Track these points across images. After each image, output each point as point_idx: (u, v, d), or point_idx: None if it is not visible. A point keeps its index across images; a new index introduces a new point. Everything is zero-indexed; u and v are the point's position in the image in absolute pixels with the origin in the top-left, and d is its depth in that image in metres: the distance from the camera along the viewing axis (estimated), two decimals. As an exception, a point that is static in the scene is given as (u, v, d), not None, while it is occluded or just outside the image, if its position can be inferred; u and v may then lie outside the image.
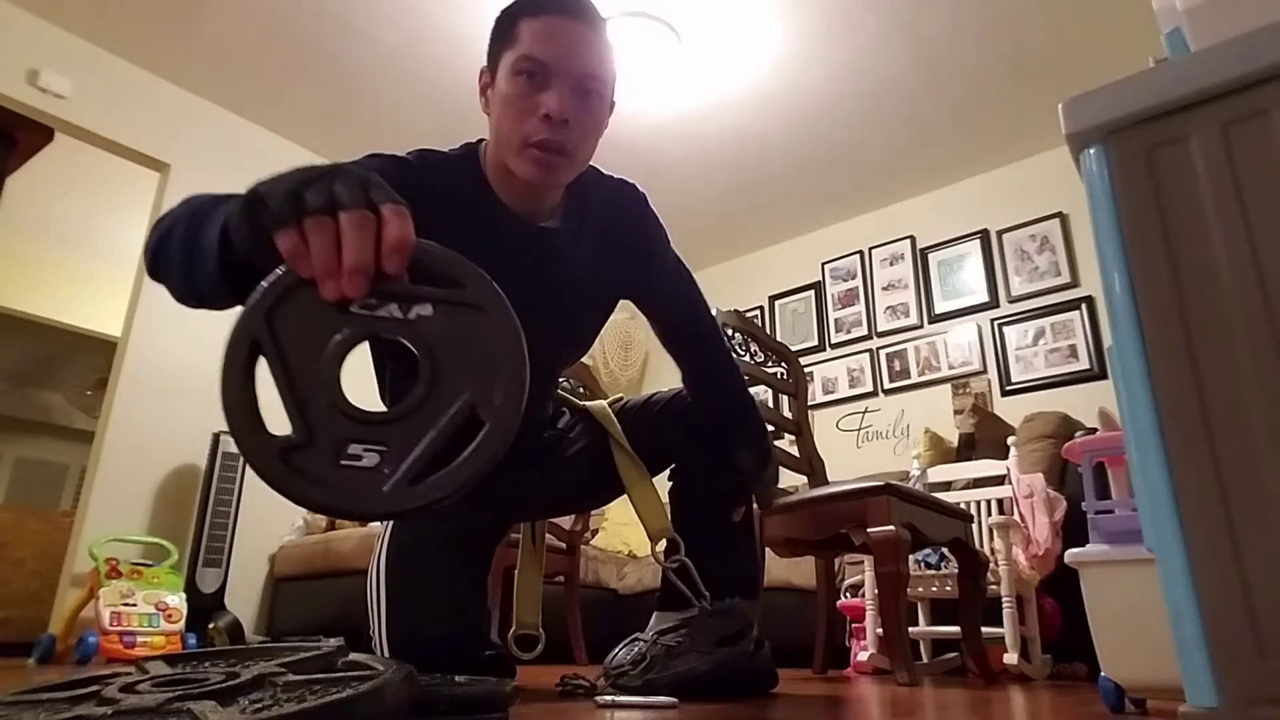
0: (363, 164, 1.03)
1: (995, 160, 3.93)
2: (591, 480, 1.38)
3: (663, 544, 1.31)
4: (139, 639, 2.53)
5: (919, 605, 2.49)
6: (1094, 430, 2.29)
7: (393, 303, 0.57)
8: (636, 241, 1.28)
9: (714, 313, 2.02)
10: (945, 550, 2.30)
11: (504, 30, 1.08)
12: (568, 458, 1.39)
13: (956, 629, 2.12)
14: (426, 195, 1.02)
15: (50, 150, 3.68)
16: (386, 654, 1.04)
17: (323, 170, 0.57)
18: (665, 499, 1.39)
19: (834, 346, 4.33)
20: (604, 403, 1.42)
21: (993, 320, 3.83)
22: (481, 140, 1.17)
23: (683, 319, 1.39)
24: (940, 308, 4.02)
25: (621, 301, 1.35)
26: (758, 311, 4.66)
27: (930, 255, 4.12)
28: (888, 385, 4.08)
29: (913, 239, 4.20)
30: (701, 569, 1.29)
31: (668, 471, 1.44)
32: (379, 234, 0.55)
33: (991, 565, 2.16)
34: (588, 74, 1.06)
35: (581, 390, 2.27)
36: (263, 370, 0.58)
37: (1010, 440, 2.60)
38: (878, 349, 4.16)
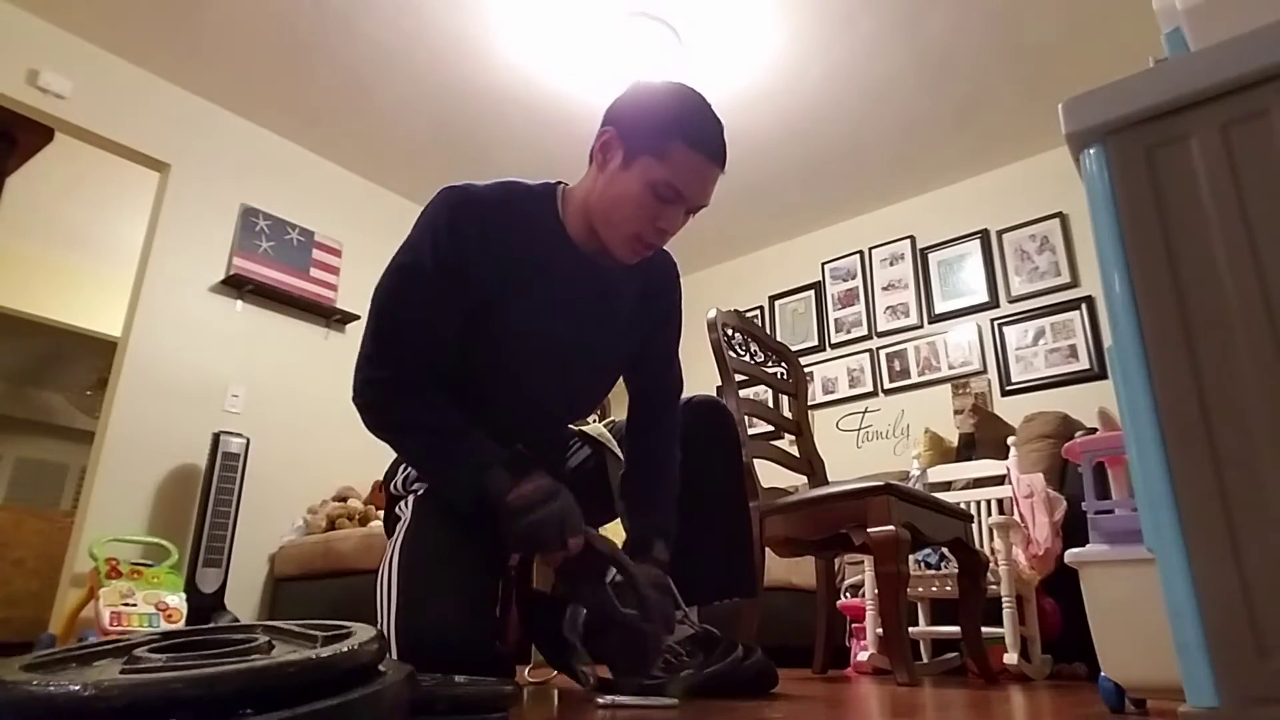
0: (454, 197, 1.16)
1: (995, 160, 3.93)
2: (590, 497, 1.39)
3: None
4: (139, 639, 2.53)
5: (919, 605, 2.49)
6: (1094, 430, 2.29)
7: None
8: (665, 301, 1.40)
9: (714, 313, 2.03)
10: (945, 550, 2.30)
11: (659, 134, 1.16)
12: (566, 474, 1.41)
13: (956, 629, 2.12)
14: (514, 223, 1.19)
15: (50, 150, 3.69)
16: (395, 653, 1.05)
17: (549, 521, 1.06)
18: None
19: (834, 346, 4.34)
20: (599, 425, 1.46)
21: (993, 320, 3.83)
22: (560, 184, 1.28)
23: (659, 387, 1.42)
24: (940, 308, 4.02)
25: None
26: (758, 311, 4.66)
27: (930, 255, 4.12)
28: (888, 385, 4.08)
29: (913, 239, 4.20)
30: (698, 570, 1.31)
31: None
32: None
33: (991, 565, 2.16)
34: (701, 206, 1.22)
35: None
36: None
37: (1010, 440, 2.60)
38: (878, 349, 4.16)
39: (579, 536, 1.07)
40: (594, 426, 1.46)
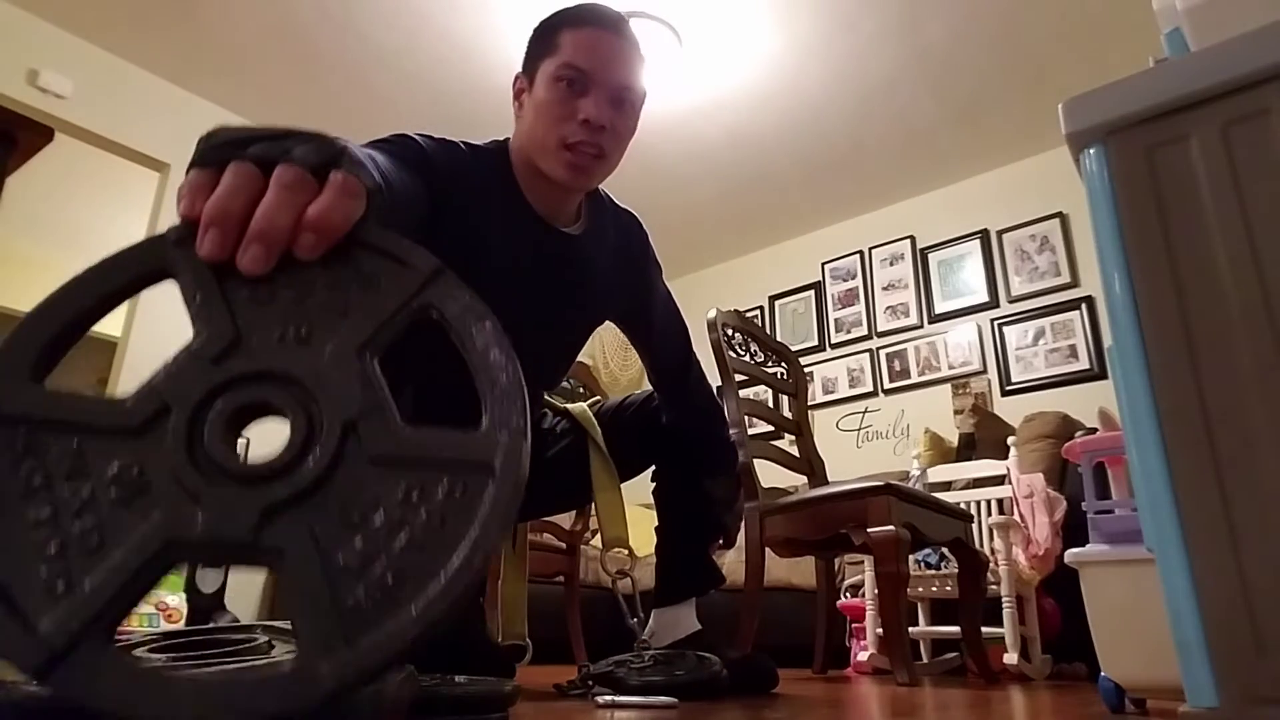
0: (410, 138, 1.06)
1: (995, 160, 3.93)
2: (570, 482, 1.39)
3: (621, 554, 1.34)
4: (139, 639, 2.53)
5: (919, 605, 2.49)
6: (1094, 430, 2.29)
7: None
8: (640, 269, 1.35)
9: (714, 313, 2.03)
10: (945, 550, 2.30)
11: (545, 39, 1.13)
12: (548, 459, 1.40)
13: (956, 629, 2.12)
14: (465, 179, 1.10)
15: (50, 150, 3.68)
16: None
17: (301, 130, 0.47)
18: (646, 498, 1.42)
19: (834, 346, 4.34)
20: (584, 405, 1.44)
21: (993, 320, 3.83)
22: (508, 139, 1.20)
23: (669, 351, 1.42)
24: (940, 308, 4.02)
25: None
26: (758, 311, 4.66)
27: (930, 255, 4.12)
28: (888, 385, 4.08)
29: (913, 239, 4.20)
30: (683, 563, 1.38)
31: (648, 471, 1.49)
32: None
33: (991, 565, 2.16)
34: (624, 84, 1.11)
35: (581, 390, 2.27)
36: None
37: (1010, 440, 2.60)
38: (878, 349, 4.16)
39: (353, 178, 0.45)
40: (578, 407, 1.43)
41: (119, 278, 0.44)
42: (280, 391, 0.41)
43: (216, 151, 0.43)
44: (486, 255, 1.13)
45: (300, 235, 0.42)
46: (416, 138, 1.06)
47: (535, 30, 1.15)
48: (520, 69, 1.16)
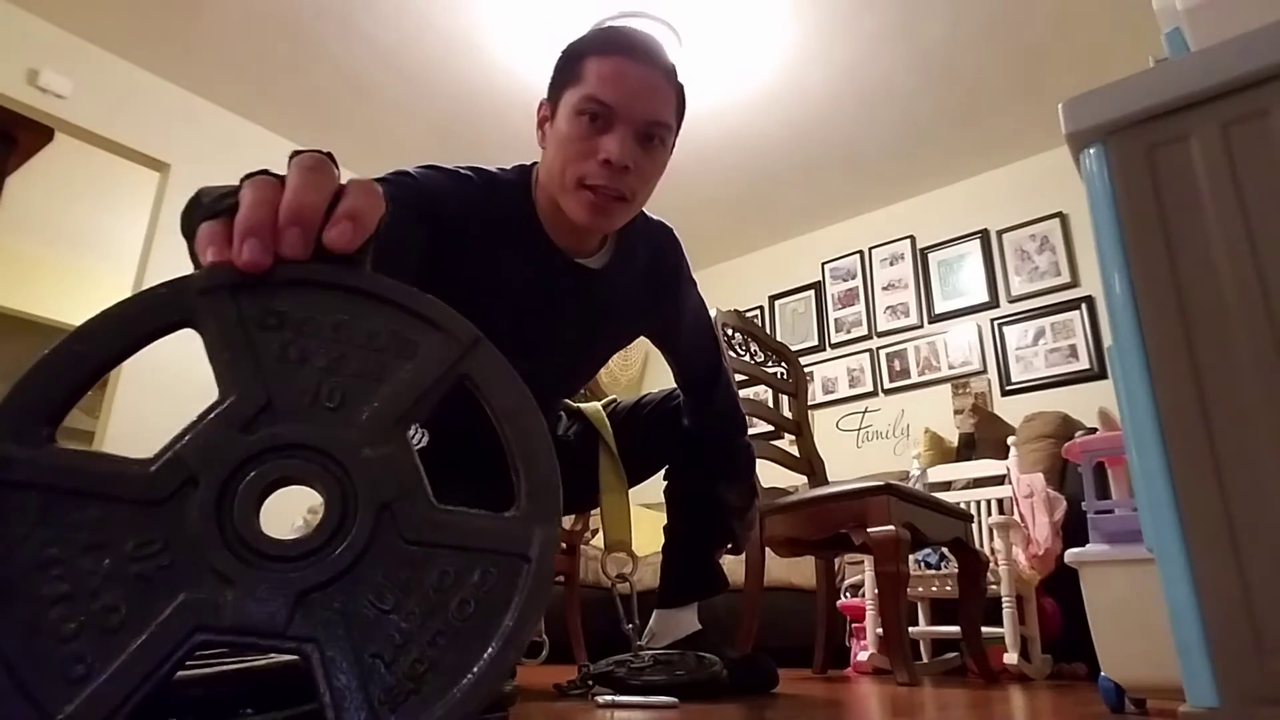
0: (409, 174, 1.01)
1: (995, 160, 3.93)
2: (580, 483, 1.37)
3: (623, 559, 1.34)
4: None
5: (919, 605, 2.49)
6: (1094, 430, 2.29)
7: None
8: (671, 286, 1.30)
9: (714, 313, 2.03)
10: (945, 550, 2.30)
11: (569, 66, 1.05)
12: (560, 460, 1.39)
13: (956, 629, 2.12)
14: (481, 213, 1.05)
15: (50, 150, 3.69)
16: None
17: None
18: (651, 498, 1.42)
19: (834, 346, 4.34)
20: (598, 405, 1.43)
21: (993, 320, 3.83)
22: (535, 164, 1.15)
23: (697, 361, 1.39)
24: (940, 308, 4.02)
25: None
26: (758, 311, 4.66)
27: (930, 255, 4.12)
28: (888, 385, 4.08)
29: (913, 239, 4.20)
30: (687, 567, 1.38)
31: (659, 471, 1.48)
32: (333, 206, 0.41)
33: (991, 565, 2.16)
34: (653, 120, 1.03)
35: (583, 392, 2.27)
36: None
37: (1010, 440, 2.60)
38: (878, 349, 4.17)
39: (367, 180, 0.45)
40: (591, 408, 1.43)
41: (138, 329, 0.41)
42: (313, 466, 0.39)
43: (220, 201, 0.42)
44: (498, 290, 1.08)
45: (336, 225, 0.40)
46: (415, 173, 1.01)
47: (561, 54, 1.08)
48: (545, 94, 1.10)
